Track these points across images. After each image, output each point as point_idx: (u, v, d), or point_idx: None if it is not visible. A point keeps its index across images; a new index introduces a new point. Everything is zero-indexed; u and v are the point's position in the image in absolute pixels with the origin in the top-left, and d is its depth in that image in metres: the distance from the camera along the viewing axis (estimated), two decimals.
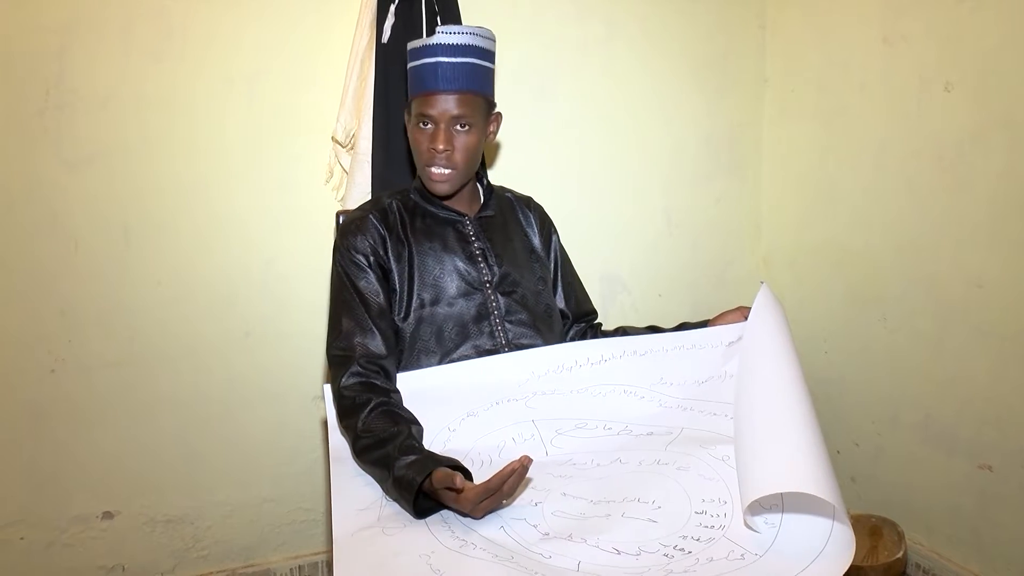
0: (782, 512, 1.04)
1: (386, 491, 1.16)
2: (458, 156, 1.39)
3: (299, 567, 2.09)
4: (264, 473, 2.04)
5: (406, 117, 1.47)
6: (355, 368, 1.29)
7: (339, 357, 1.32)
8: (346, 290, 1.37)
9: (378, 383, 1.29)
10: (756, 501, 1.01)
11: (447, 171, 1.39)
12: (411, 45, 1.40)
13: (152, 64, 1.83)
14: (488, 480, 1.06)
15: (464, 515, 1.09)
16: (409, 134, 1.44)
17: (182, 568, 2.00)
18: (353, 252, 1.39)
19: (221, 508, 2.02)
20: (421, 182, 1.47)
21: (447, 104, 1.36)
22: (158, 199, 1.88)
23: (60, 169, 1.80)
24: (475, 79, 1.39)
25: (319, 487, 2.09)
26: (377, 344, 1.33)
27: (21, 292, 1.80)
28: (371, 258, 1.39)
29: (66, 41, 1.76)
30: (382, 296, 1.38)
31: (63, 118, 1.78)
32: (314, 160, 1.98)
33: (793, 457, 1.05)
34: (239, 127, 1.91)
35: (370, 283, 1.37)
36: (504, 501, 1.09)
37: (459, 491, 1.06)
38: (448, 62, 1.35)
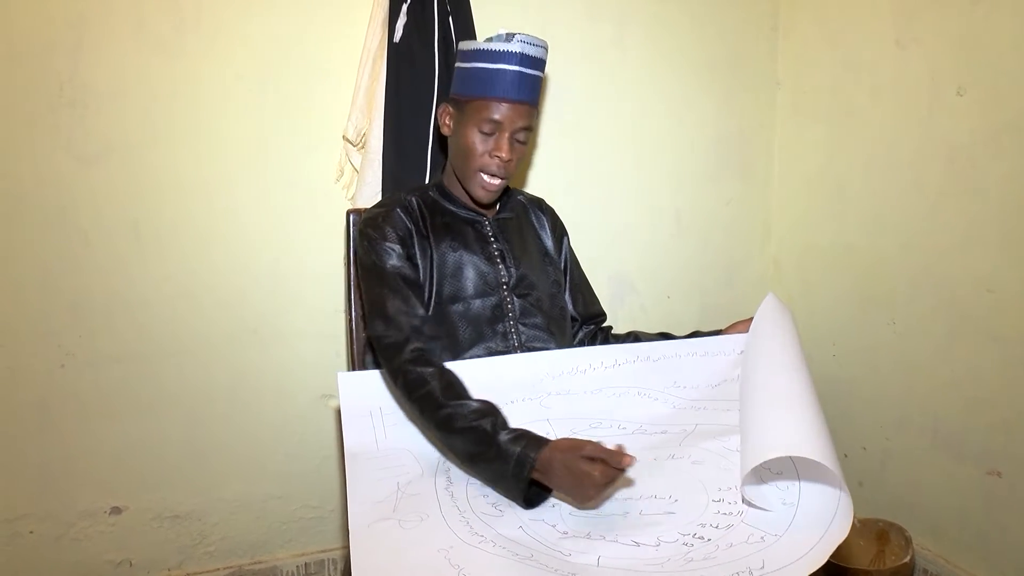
0: (799, 491, 1.05)
1: (475, 468, 1.16)
2: (512, 167, 1.39)
3: (305, 564, 2.09)
4: (271, 470, 2.04)
5: (448, 114, 1.43)
6: (413, 345, 1.26)
7: (392, 340, 1.28)
8: (383, 274, 1.35)
9: (436, 359, 1.27)
10: (764, 474, 1.02)
11: (500, 181, 1.40)
12: (479, 45, 1.37)
13: (163, 60, 1.83)
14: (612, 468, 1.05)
15: (579, 502, 1.09)
16: (459, 134, 1.40)
17: (189, 564, 2.01)
18: (383, 239, 1.37)
19: (228, 504, 2.02)
20: (446, 183, 1.48)
21: (518, 113, 1.36)
22: (168, 195, 1.88)
23: (71, 164, 1.80)
24: (539, 92, 1.41)
25: (326, 484, 2.09)
26: (424, 317, 1.32)
27: (31, 287, 1.80)
28: (399, 247, 1.38)
29: (80, 36, 1.76)
30: (417, 272, 1.38)
31: (75, 114, 1.78)
32: (325, 158, 1.98)
33: (796, 427, 1.06)
34: (251, 124, 1.91)
35: (403, 261, 1.37)
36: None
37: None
38: (528, 73, 1.36)
